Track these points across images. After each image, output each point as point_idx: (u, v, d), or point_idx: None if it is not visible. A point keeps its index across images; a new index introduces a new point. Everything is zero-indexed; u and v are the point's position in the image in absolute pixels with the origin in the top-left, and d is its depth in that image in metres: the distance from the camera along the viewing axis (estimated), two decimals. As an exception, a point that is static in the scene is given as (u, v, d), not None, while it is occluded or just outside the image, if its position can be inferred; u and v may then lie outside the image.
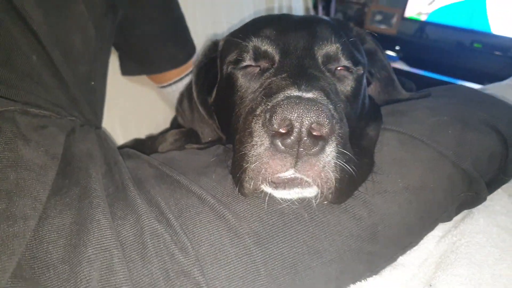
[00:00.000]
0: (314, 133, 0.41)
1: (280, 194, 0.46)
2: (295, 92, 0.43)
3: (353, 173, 0.45)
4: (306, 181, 0.44)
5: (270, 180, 0.44)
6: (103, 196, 0.48)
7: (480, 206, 0.70)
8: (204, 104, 0.67)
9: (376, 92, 0.72)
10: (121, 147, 0.90)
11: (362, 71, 0.58)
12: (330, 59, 0.56)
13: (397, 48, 2.57)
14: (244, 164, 0.45)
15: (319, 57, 0.55)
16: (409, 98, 0.71)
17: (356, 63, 0.57)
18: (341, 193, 0.45)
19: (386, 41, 2.60)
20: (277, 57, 0.55)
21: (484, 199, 0.66)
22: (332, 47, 0.56)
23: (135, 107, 1.20)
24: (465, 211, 0.69)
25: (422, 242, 0.62)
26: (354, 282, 0.52)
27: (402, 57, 2.65)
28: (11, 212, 0.42)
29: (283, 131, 0.41)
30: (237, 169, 0.48)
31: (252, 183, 0.45)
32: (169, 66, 1.05)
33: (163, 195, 0.50)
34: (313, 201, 0.47)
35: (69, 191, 0.48)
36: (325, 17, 0.66)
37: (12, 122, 0.49)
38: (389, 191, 0.54)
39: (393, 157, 0.58)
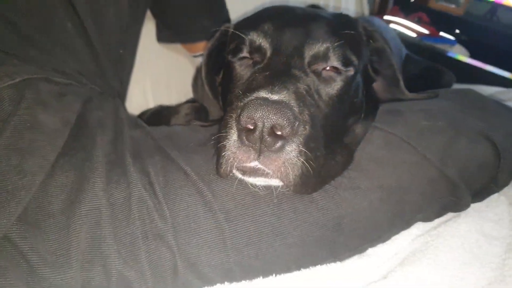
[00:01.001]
0: (277, 133, 0.46)
1: (248, 180, 0.52)
2: (265, 94, 0.48)
3: (316, 169, 0.50)
4: (269, 173, 0.49)
5: (239, 168, 0.50)
6: (103, 162, 0.56)
7: (470, 211, 0.71)
8: (211, 84, 0.73)
9: (380, 88, 0.74)
10: (145, 112, 1.00)
11: (352, 72, 0.60)
12: (318, 59, 0.58)
13: (457, 31, 2.42)
14: (221, 150, 0.52)
15: (307, 57, 0.58)
16: (412, 99, 0.72)
17: (346, 64, 0.59)
18: (304, 186, 0.50)
19: (446, 21, 2.46)
20: (268, 53, 0.59)
21: (467, 206, 0.67)
22: (321, 47, 0.58)
23: (167, 73, 1.27)
24: (453, 214, 0.71)
25: (397, 237, 0.66)
26: (314, 265, 0.58)
27: (463, 41, 2.49)
28: (22, 168, 0.51)
29: (250, 127, 0.46)
30: (217, 153, 0.54)
31: (224, 168, 0.51)
32: (203, 37, 1.11)
33: (155, 166, 0.57)
34: (278, 189, 0.52)
35: (76, 154, 0.56)
36: (328, 14, 0.68)
37: (36, 89, 0.58)
38: (361, 188, 0.58)
39: (374, 156, 0.61)
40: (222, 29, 0.74)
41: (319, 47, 0.58)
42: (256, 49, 0.61)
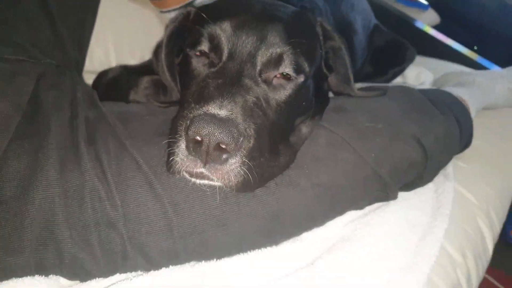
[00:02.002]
0: (222, 147, 0.51)
1: (195, 181, 0.57)
2: (213, 109, 0.51)
3: (258, 174, 0.56)
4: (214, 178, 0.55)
5: (186, 171, 0.55)
6: (57, 148, 0.58)
7: (399, 198, 0.81)
8: (169, 66, 0.75)
9: (333, 83, 0.78)
10: (105, 73, 1.00)
11: (302, 79, 0.64)
12: (269, 67, 0.61)
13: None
14: (171, 152, 0.56)
15: (259, 65, 0.60)
16: (361, 96, 0.78)
17: (297, 71, 0.62)
18: (246, 187, 0.56)
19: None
20: (224, 56, 0.61)
21: (394, 198, 0.76)
22: (274, 55, 0.61)
23: (131, 28, 1.23)
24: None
25: (330, 222, 0.75)
26: (253, 250, 0.65)
27: (434, 5, 2.51)
28: None
29: (198, 139, 0.51)
30: (169, 151, 0.58)
31: (173, 168, 0.56)
32: None
33: (109, 154, 0.60)
34: (222, 188, 0.58)
35: (29, 138, 0.58)
36: (288, 13, 0.69)
37: None
38: (300, 185, 0.65)
39: (317, 155, 0.67)
40: (184, 12, 0.74)
41: (271, 55, 0.61)
42: (213, 47, 0.63)
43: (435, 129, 0.75)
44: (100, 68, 1.15)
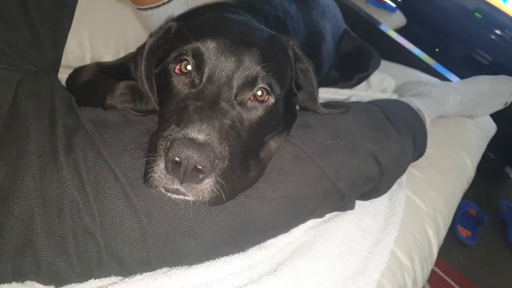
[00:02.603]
0: (198, 167, 0.55)
1: (171, 195, 0.61)
2: (193, 133, 0.55)
3: (230, 189, 0.60)
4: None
5: (163, 186, 0.59)
6: (36, 158, 0.60)
7: (356, 206, 0.88)
8: (148, 77, 0.77)
9: (301, 99, 0.83)
10: (80, 71, 1.00)
11: (273, 101, 0.68)
12: (245, 89, 0.65)
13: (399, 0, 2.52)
14: (148, 168, 0.59)
15: (235, 88, 0.64)
16: (325, 113, 0.83)
17: (270, 93, 0.67)
18: (217, 202, 0.61)
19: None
20: (204, 78, 0.64)
21: (352, 208, 0.83)
22: (249, 79, 0.65)
23: (107, 23, 1.23)
24: (341, 209, 0.87)
25: (294, 229, 0.81)
26: (221, 256, 0.71)
27: (401, 7, 2.61)
28: None
29: (177, 160, 0.55)
30: (146, 164, 0.61)
31: (150, 183, 0.59)
32: None
33: (87, 163, 0.63)
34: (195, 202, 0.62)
35: (9, 147, 0.60)
36: (263, 36, 0.73)
37: None
38: (267, 197, 0.70)
39: (283, 169, 0.73)
40: (166, 28, 0.76)
41: (246, 78, 0.65)
42: (194, 68, 0.66)
43: (391, 147, 0.82)
44: (74, 62, 1.14)
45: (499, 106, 1.45)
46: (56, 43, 0.81)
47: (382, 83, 1.58)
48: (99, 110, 0.77)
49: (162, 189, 0.60)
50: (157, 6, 1.15)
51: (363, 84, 1.55)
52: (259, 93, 0.67)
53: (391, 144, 0.83)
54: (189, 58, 0.66)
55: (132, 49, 1.27)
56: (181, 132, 0.56)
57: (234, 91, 0.65)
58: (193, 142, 0.54)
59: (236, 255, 0.72)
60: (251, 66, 0.66)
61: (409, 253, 0.89)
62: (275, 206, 0.71)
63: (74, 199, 0.60)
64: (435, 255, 1.00)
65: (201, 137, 0.56)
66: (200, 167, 0.55)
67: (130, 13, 1.24)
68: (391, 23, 2.48)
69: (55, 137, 0.64)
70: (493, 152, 2.81)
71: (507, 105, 1.44)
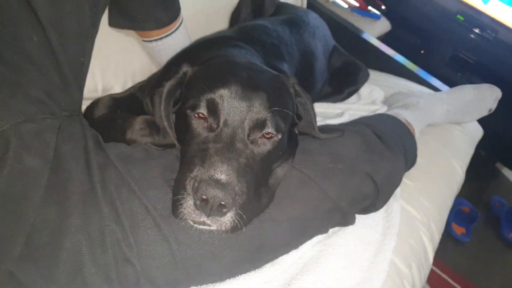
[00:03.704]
0: (222, 203, 0.64)
1: (197, 226, 0.70)
2: (217, 175, 0.64)
3: (247, 217, 0.69)
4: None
5: (190, 219, 0.68)
6: (79, 197, 0.68)
7: (356, 219, 0.97)
8: (167, 116, 0.85)
9: (301, 126, 0.93)
10: (96, 105, 1.08)
11: (280, 136, 0.77)
12: (256, 130, 0.74)
13: (383, 7, 2.62)
14: (177, 201, 0.68)
15: (248, 129, 0.73)
16: (325, 138, 0.92)
17: (277, 130, 0.76)
18: (236, 229, 0.69)
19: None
20: (221, 122, 0.73)
21: (352, 223, 0.92)
22: (259, 121, 0.74)
23: (115, 54, 1.32)
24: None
25: (302, 245, 0.89)
26: (240, 274, 0.80)
27: (386, 14, 2.71)
28: (18, 213, 0.63)
29: (205, 198, 0.64)
30: (173, 198, 0.70)
31: (180, 216, 0.68)
32: (154, 26, 1.19)
33: (121, 199, 0.71)
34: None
35: (56, 188, 0.67)
36: (268, 78, 0.82)
37: (19, 133, 0.66)
38: (278, 220, 0.79)
39: (290, 193, 0.81)
40: (182, 73, 0.85)
41: (257, 121, 0.74)
42: (211, 114, 0.74)
43: (384, 167, 0.91)
44: (88, 94, 1.22)
45: (484, 113, 1.55)
46: (80, 84, 0.89)
47: (371, 94, 1.67)
48: (123, 146, 0.85)
49: (190, 221, 0.68)
50: (161, 38, 1.24)
51: (354, 97, 1.64)
52: (269, 131, 0.76)
53: (384, 163, 0.92)
54: (205, 105, 0.75)
55: (138, 77, 1.35)
56: (206, 174, 0.65)
57: (247, 132, 0.74)
58: (217, 183, 0.64)
59: (252, 272, 0.81)
60: (260, 110, 0.75)
61: (407, 260, 0.98)
62: (285, 227, 0.80)
63: (114, 231, 0.68)
64: (431, 260, 1.09)
65: (223, 177, 0.65)
66: (223, 203, 0.64)
67: (136, 44, 1.32)
68: (376, 30, 2.58)
69: (92, 175, 0.72)
70: (483, 149, 2.92)
71: (491, 112, 1.54)
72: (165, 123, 0.85)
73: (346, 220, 0.90)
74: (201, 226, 0.69)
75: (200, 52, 1.08)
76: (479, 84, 1.55)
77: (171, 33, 1.25)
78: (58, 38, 0.75)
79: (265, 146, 0.76)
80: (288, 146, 0.85)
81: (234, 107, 0.74)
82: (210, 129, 0.75)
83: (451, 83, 1.98)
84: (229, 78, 0.77)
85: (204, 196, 0.63)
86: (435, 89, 1.90)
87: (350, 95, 1.61)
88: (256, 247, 0.77)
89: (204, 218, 0.66)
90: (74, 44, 0.81)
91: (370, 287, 0.85)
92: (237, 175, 0.67)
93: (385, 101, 1.64)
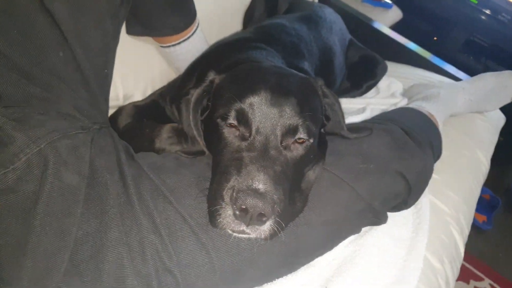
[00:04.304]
0: (261, 212, 0.64)
1: (236, 235, 0.70)
2: (255, 185, 0.64)
3: (283, 226, 0.69)
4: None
5: (229, 228, 0.68)
6: (117, 208, 0.69)
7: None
8: (196, 124, 0.85)
9: (329, 127, 0.92)
10: (120, 113, 1.09)
11: (312, 140, 0.77)
12: (288, 136, 0.74)
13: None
14: (215, 211, 0.68)
15: (280, 135, 0.73)
16: (355, 137, 0.92)
17: (309, 135, 0.75)
18: (274, 236, 0.70)
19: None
20: (253, 131, 0.73)
21: (385, 222, 0.92)
22: (291, 127, 0.74)
23: (135, 61, 1.32)
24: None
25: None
26: (277, 278, 0.80)
27: (397, 2, 2.67)
28: (61, 229, 0.64)
29: (244, 208, 0.64)
30: (210, 207, 0.71)
31: (219, 226, 0.68)
32: (171, 32, 1.19)
33: (158, 209, 0.72)
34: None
35: (94, 202, 0.68)
36: (296, 82, 0.82)
37: (56, 149, 0.67)
38: (312, 223, 0.79)
39: (323, 195, 0.81)
40: (209, 81, 0.85)
41: (289, 127, 0.74)
42: (243, 123, 0.74)
43: (415, 164, 0.91)
44: (109, 103, 1.22)
45: (507, 100, 1.52)
46: (106, 96, 0.90)
47: (390, 87, 1.65)
48: (154, 156, 0.86)
49: (229, 230, 0.69)
50: (179, 43, 1.24)
51: (373, 91, 1.63)
52: (301, 136, 0.75)
53: (415, 161, 0.91)
54: (235, 114, 0.75)
55: (158, 83, 1.36)
56: (244, 184, 0.65)
57: (279, 139, 0.73)
58: (256, 192, 0.64)
59: (289, 275, 0.81)
60: (291, 115, 0.74)
61: (439, 256, 0.98)
62: (320, 230, 0.80)
63: (153, 242, 0.69)
64: (462, 254, 1.08)
65: (261, 187, 0.65)
66: (263, 213, 0.64)
67: (153, 50, 1.33)
68: (388, 19, 2.55)
69: (127, 187, 0.72)
70: (501, 134, 2.88)
71: (515, 99, 1.52)
72: (195, 132, 0.85)
73: (379, 219, 0.90)
74: (240, 235, 0.70)
75: (220, 56, 1.08)
76: (500, 72, 1.53)
77: (188, 37, 1.25)
78: (83, 51, 0.76)
79: (298, 151, 0.76)
80: (318, 148, 0.85)
81: (265, 115, 0.74)
82: (243, 137, 0.75)
83: (465, 69, 1.95)
84: (258, 85, 0.77)
85: (243, 206, 0.64)
86: (451, 76, 1.87)
87: (369, 89, 1.59)
88: (292, 252, 0.78)
89: (243, 227, 0.67)
90: (98, 57, 0.82)
91: (406, 285, 0.85)
92: (274, 183, 0.67)
93: (405, 93, 1.63)
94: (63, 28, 0.71)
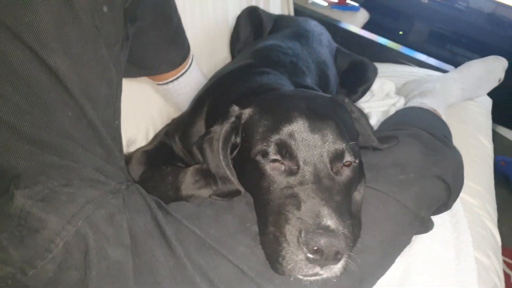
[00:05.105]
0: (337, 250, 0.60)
1: (308, 279, 0.66)
2: (323, 222, 0.60)
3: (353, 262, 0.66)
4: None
5: (301, 273, 0.64)
6: (169, 276, 0.64)
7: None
8: (228, 165, 0.79)
9: (361, 141, 0.90)
10: (129, 160, 1.03)
11: (358, 160, 0.74)
12: (336, 161, 0.71)
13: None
14: (279, 256, 0.64)
15: (328, 162, 0.70)
16: (386, 148, 0.90)
17: (355, 156, 0.73)
18: (345, 270, 0.66)
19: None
20: (300, 163, 0.69)
21: (432, 228, 0.91)
22: (338, 152, 0.70)
23: (133, 103, 1.27)
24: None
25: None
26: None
27: (364, 4, 2.74)
28: None
29: (317, 249, 0.60)
30: (271, 253, 0.66)
31: (287, 273, 0.63)
32: (168, 68, 1.16)
33: (211, 266, 0.67)
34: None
35: (143, 273, 0.63)
36: (326, 103, 0.79)
37: (93, 223, 0.61)
38: (370, 247, 0.76)
39: (373, 215, 0.79)
40: (235, 116, 0.80)
41: (336, 152, 0.70)
42: (287, 156, 0.70)
43: (450, 164, 0.90)
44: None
45: (495, 84, 1.57)
46: (120, 149, 0.84)
47: (383, 88, 1.67)
48: (187, 205, 0.80)
49: (299, 276, 0.64)
50: (177, 78, 1.20)
51: (367, 94, 1.64)
52: (349, 159, 0.72)
53: (449, 161, 0.91)
54: (278, 152, 0.70)
55: (158, 123, 1.31)
56: (311, 223, 0.61)
57: (329, 166, 0.70)
58: (327, 230, 0.60)
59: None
60: (335, 139, 0.71)
61: (483, 250, 0.98)
62: (378, 252, 0.78)
63: None
64: (500, 242, 1.08)
65: (330, 223, 0.61)
66: (338, 250, 0.60)
67: (149, 89, 1.28)
68: (358, 21, 2.61)
69: (173, 249, 0.67)
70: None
71: (501, 81, 1.57)
72: (227, 172, 0.80)
73: (427, 226, 0.89)
74: (311, 278, 0.65)
75: (228, 86, 1.05)
76: (485, 58, 1.58)
77: (186, 71, 1.21)
78: (92, 106, 0.70)
79: (347, 175, 0.73)
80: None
81: (308, 143, 0.70)
82: (290, 171, 0.70)
83: (437, 57, 2.03)
84: (292, 113, 0.73)
85: (315, 248, 0.59)
86: (434, 68, 1.93)
87: (364, 93, 1.60)
88: (359, 280, 0.75)
89: (317, 270, 0.62)
90: (107, 109, 0.77)
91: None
92: (339, 215, 0.63)
93: (399, 92, 1.65)
94: (68, 85, 0.65)
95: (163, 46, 1.08)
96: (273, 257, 0.65)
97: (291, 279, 0.66)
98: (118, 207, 0.67)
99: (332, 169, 0.71)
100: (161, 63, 1.13)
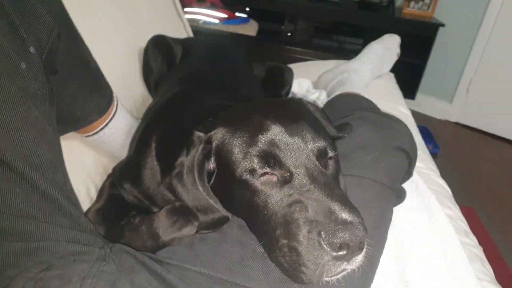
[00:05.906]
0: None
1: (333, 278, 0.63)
2: (339, 215, 0.59)
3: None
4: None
5: (330, 274, 0.62)
6: None
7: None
8: (210, 195, 0.75)
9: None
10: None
11: (337, 153, 0.75)
12: (321, 157, 0.70)
13: (247, 9, 2.75)
14: (301, 268, 0.62)
15: (316, 159, 0.69)
16: (343, 136, 0.93)
17: (334, 149, 0.73)
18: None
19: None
20: (291, 167, 0.66)
21: (405, 196, 0.96)
22: (321, 148, 0.70)
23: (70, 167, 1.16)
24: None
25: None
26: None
27: (251, 15, 2.85)
28: None
29: (345, 243, 0.58)
30: (289, 267, 0.63)
31: (312, 279, 0.61)
32: (96, 116, 1.07)
33: None
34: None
35: None
36: (293, 108, 0.79)
37: None
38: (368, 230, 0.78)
39: (358, 200, 0.79)
40: (204, 142, 0.75)
41: (320, 149, 0.70)
42: (277, 165, 0.67)
43: (403, 134, 0.96)
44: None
45: (395, 58, 1.74)
46: (82, 212, 0.77)
47: (301, 86, 1.74)
48: (179, 249, 0.74)
49: (326, 278, 0.62)
50: (107, 124, 1.11)
51: (289, 95, 1.69)
52: (330, 154, 0.72)
53: (401, 132, 0.97)
54: (265, 164, 0.67)
55: (96, 178, 1.19)
56: (328, 220, 0.59)
57: (317, 162, 0.69)
58: (346, 223, 0.59)
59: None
60: (313, 138, 0.70)
61: (445, 204, 1.06)
62: (375, 233, 0.80)
63: None
64: (450, 191, 1.18)
65: (345, 215, 0.60)
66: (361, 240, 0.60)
67: (78, 144, 1.17)
68: (250, 31, 2.70)
69: None
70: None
71: (399, 55, 1.75)
72: (210, 201, 0.75)
73: (401, 197, 0.93)
74: (338, 276, 0.63)
75: (172, 116, 0.99)
76: (381, 38, 1.74)
77: (114, 114, 1.13)
78: (39, 174, 0.64)
79: (334, 168, 0.73)
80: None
81: (292, 147, 0.68)
82: (284, 180, 0.67)
83: (324, 49, 2.22)
84: (265, 122, 0.71)
85: (339, 244, 0.58)
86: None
87: (287, 95, 1.64)
88: (370, 264, 0.75)
89: (344, 265, 0.61)
90: (55, 173, 0.70)
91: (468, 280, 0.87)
92: (348, 206, 0.63)
93: (316, 86, 1.73)
94: (6, 158, 0.59)
95: (86, 93, 0.99)
96: (294, 268, 0.62)
97: (320, 284, 0.64)
98: (115, 273, 0.61)
99: (320, 165, 0.71)
100: (88, 112, 1.03)
